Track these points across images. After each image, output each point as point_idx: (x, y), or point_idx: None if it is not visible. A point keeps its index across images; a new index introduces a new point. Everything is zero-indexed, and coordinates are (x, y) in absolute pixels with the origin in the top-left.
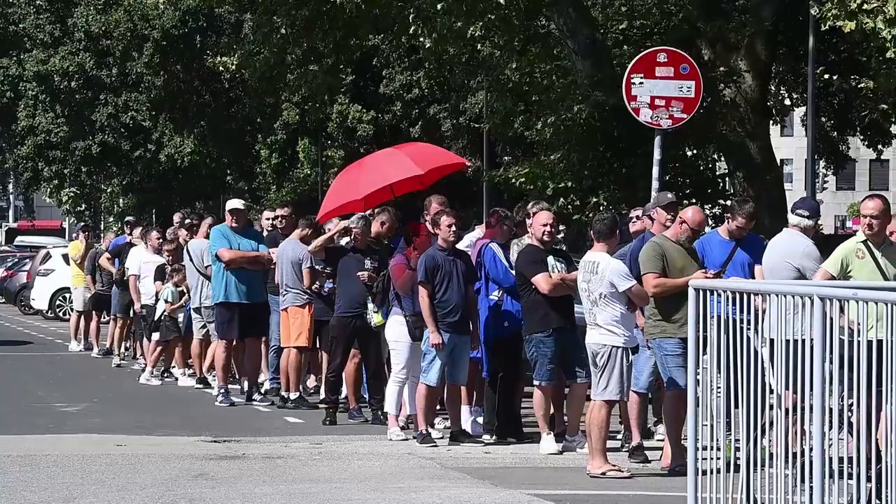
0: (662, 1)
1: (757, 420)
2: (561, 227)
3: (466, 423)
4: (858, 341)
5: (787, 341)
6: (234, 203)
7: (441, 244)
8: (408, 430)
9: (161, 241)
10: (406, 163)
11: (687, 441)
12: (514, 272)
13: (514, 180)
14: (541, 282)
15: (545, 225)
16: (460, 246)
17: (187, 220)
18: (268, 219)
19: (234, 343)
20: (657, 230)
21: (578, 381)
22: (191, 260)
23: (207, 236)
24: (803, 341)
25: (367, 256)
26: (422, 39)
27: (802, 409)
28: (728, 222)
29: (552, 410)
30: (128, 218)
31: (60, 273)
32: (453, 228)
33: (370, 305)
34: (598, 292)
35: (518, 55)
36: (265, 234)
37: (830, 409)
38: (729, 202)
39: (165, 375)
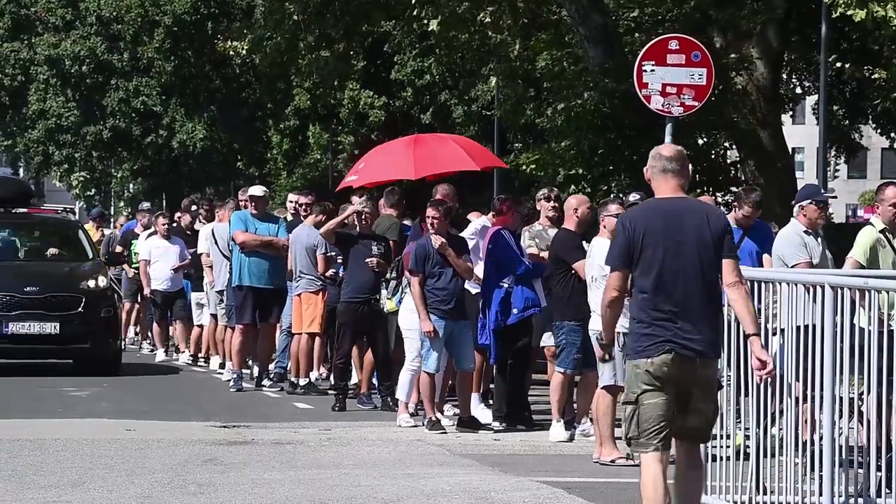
0: None
1: (766, 408)
2: None
3: (476, 410)
4: (869, 330)
5: (798, 327)
6: (255, 190)
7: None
8: (418, 416)
9: (168, 226)
10: (462, 155)
11: None
12: (526, 259)
13: (524, 167)
14: (583, 269)
15: (576, 210)
16: (465, 234)
17: (194, 207)
18: (291, 202)
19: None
20: None
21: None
22: (216, 243)
23: None
24: (814, 326)
25: (374, 242)
26: (426, 22)
27: (812, 397)
28: (735, 211)
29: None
30: (144, 205)
31: None
32: (433, 222)
33: (383, 292)
34: (591, 275)
35: (522, 40)
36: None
37: (841, 398)
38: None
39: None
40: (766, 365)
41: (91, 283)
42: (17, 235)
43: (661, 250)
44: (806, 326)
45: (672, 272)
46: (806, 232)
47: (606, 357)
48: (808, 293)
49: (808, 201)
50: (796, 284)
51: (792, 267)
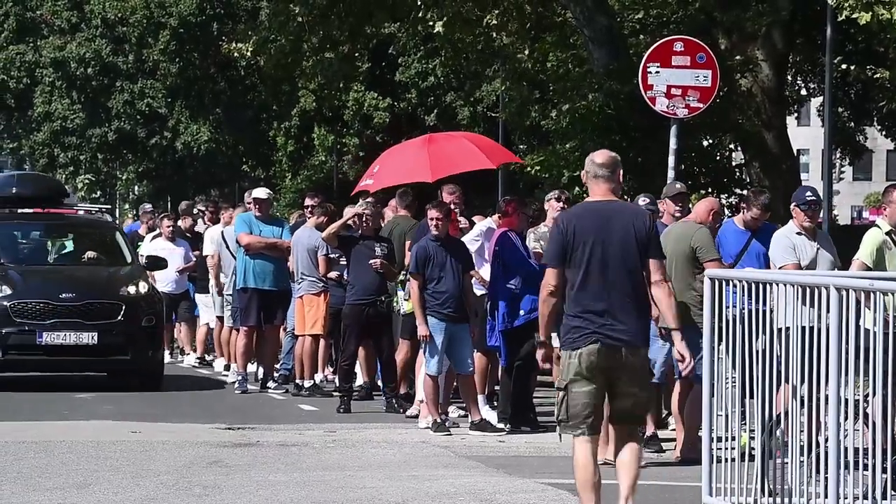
0: None
1: (772, 410)
2: None
3: (486, 413)
4: (875, 332)
5: (803, 328)
6: (258, 192)
7: (432, 234)
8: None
9: (172, 228)
10: (476, 153)
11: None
12: (533, 261)
13: (529, 169)
14: None
15: None
16: (470, 236)
17: (196, 209)
18: (307, 206)
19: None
20: (667, 220)
21: None
22: (227, 247)
23: None
24: (811, 329)
25: (377, 243)
26: (430, 23)
27: (817, 399)
28: (743, 213)
29: None
30: (146, 206)
31: None
32: (434, 222)
33: (400, 293)
34: None
35: (531, 42)
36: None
37: (846, 400)
38: (745, 192)
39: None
40: (685, 359)
41: (131, 290)
42: (49, 237)
43: (590, 248)
44: (807, 328)
45: (600, 268)
46: (798, 233)
47: (545, 356)
48: (798, 294)
49: (793, 204)
50: (801, 286)
51: (779, 269)
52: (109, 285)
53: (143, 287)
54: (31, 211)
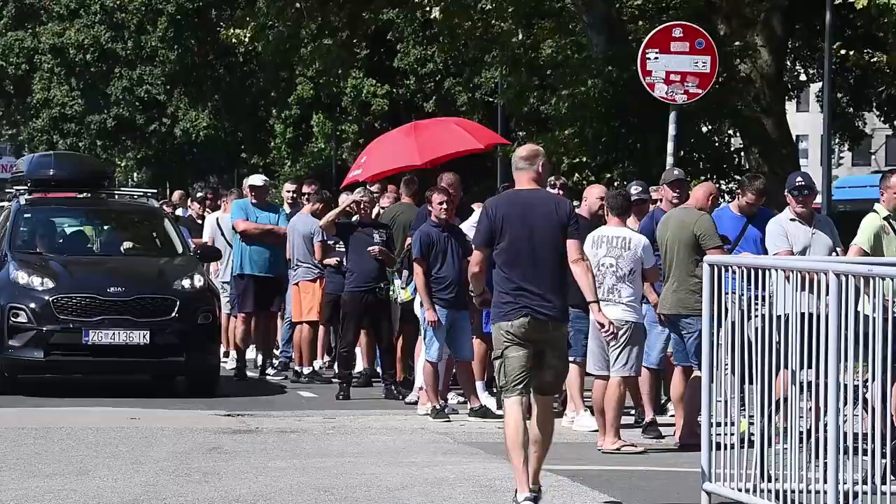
0: None
1: (771, 396)
2: (575, 203)
3: (481, 398)
4: (873, 317)
5: (803, 314)
6: (254, 179)
7: (434, 220)
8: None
9: (171, 215)
10: (464, 135)
11: (701, 417)
12: None
13: None
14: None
15: (585, 199)
16: (469, 222)
17: (199, 194)
18: (288, 191)
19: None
20: (665, 207)
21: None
22: (222, 234)
23: None
24: (810, 315)
25: (375, 230)
26: (428, 10)
27: (817, 384)
28: (738, 198)
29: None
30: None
31: None
32: (444, 206)
33: (397, 281)
34: (629, 268)
35: (526, 28)
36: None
37: (845, 386)
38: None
39: None
40: (605, 326)
41: (186, 283)
42: (92, 225)
43: (516, 232)
44: (806, 314)
45: (526, 250)
46: (792, 219)
47: (483, 300)
48: (798, 280)
49: (786, 190)
50: (800, 272)
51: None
52: (162, 279)
53: (198, 280)
54: (70, 195)
